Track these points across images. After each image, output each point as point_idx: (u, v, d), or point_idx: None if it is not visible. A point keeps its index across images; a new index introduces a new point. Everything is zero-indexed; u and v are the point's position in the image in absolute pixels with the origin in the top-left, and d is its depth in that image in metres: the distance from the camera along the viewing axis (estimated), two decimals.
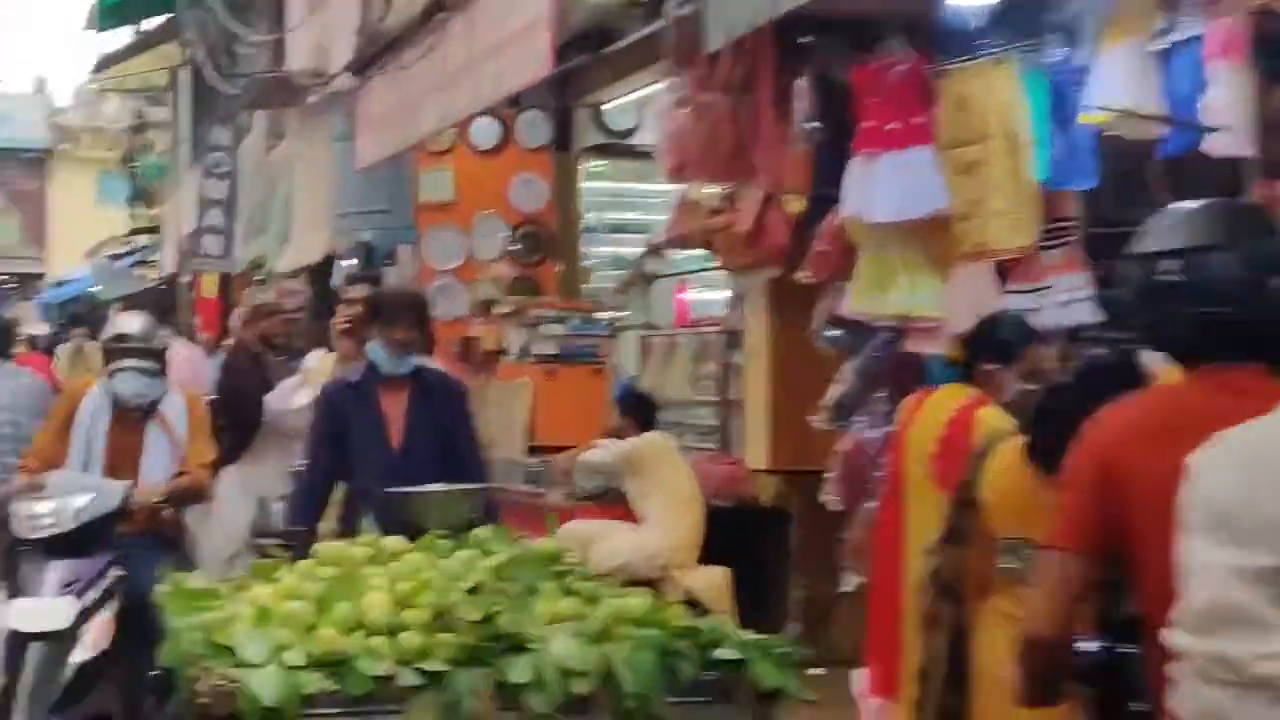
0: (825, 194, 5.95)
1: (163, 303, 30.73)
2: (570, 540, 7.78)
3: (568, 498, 8.60)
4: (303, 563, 4.23)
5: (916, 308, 5.62)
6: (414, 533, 4.58)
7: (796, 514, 8.03)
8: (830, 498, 5.92)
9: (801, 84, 6.01)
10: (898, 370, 5.76)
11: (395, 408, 5.78)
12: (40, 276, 42.14)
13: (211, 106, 26.66)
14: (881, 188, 5.49)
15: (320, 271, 14.71)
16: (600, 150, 12.02)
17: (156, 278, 31.13)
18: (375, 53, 11.26)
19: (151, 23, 28.64)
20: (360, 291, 7.65)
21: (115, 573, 6.25)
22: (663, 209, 12.91)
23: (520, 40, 8.17)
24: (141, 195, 35.20)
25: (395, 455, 5.70)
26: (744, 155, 6.14)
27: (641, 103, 11.21)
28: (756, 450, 8.11)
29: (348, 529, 5.39)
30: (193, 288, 26.03)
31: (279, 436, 8.35)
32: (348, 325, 7.35)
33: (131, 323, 6.99)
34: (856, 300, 5.77)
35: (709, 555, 7.83)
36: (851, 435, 5.86)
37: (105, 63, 28.03)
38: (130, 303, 30.86)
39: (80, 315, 38.63)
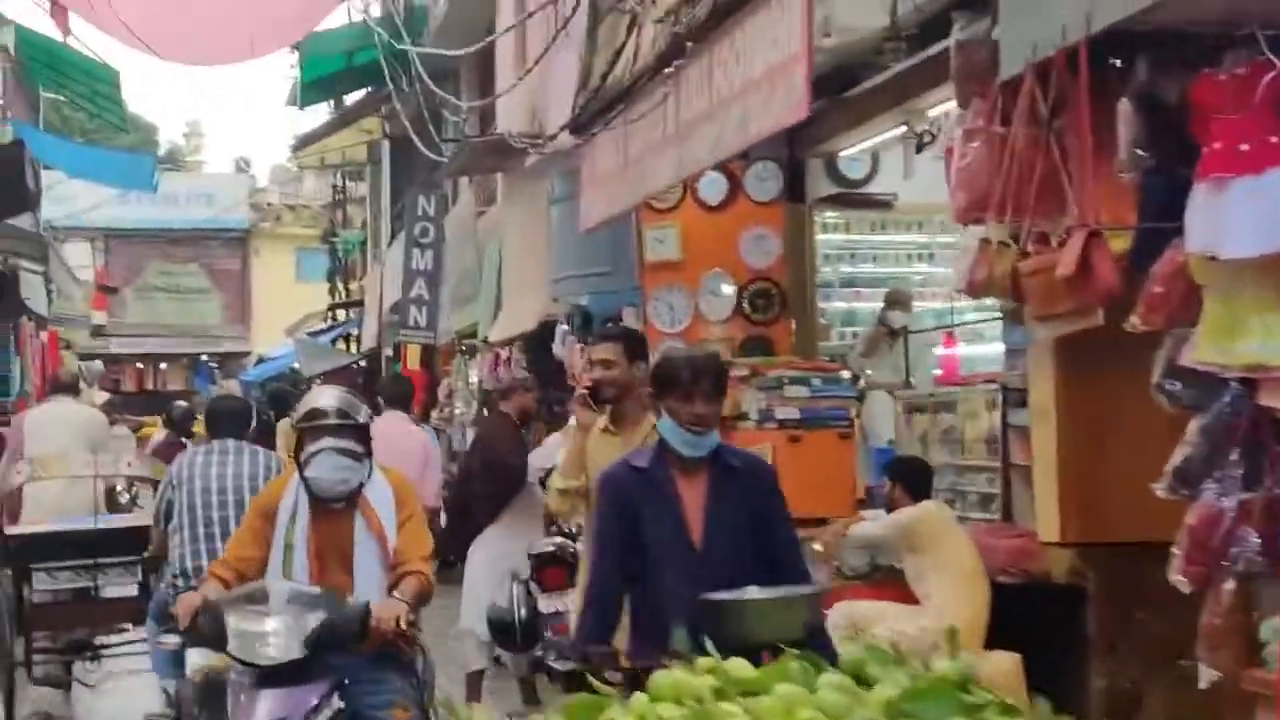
0: (1156, 229, 5.21)
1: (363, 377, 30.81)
2: (841, 625, 7.15)
3: (833, 576, 7.88)
4: (637, 701, 3.32)
5: (1274, 356, 4.85)
6: (738, 650, 3.70)
7: (1093, 592, 7.22)
8: (1178, 578, 5.13)
9: (1124, 106, 5.29)
10: (1253, 429, 4.98)
11: (693, 496, 4.79)
12: (244, 355, 42.71)
13: (413, 177, 26.69)
14: (1233, 218, 4.75)
15: (536, 340, 14.26)
16: (834, 201, 11.37)
17: (358, 352, 31.16)
18: (598, 109, 10.76)
19: (350, 97, 29.00)
20: (609, 351, 6.29)
21: (335, 704, 5.25)
22: (900, 260, 12.39)
23: (770, 82, 7.57)
24: (341, 270, 35.42)
25: (697, 553, 4.78)
26: (1055, 190, 5.42)
27: (878, 149, 10.59)
28: (1046, 520, 7.32)
29: (646, 646, 4.49)
30: (396, 360, 25.92)
31: (531, 506, 8.09)
32: (591, 388, 6.29)
33: (326, 397, 5.88)
34: (1202, 349, 5.01)
35: (996, 638, 7.08)
36: (1201, 505, 5.08)
37: (306, 140, 28.18)
38: (330, 378, 30.98)
39: (280, 393, 39.17)
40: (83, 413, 12.22)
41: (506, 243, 15.38)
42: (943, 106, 8.96)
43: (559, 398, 14.64)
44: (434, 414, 21.37)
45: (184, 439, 14.71)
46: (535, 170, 13.00)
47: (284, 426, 20.32)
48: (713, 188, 11.23)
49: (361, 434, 5.67)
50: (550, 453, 8.68)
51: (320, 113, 29.18)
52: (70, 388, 12.41)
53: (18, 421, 12.38)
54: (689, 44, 8.61)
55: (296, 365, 32.59)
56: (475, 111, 16.77)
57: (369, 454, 5.69)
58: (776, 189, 11.24)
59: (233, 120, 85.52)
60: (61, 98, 27.66)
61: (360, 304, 32.74)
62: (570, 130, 11.46)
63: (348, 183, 35.28)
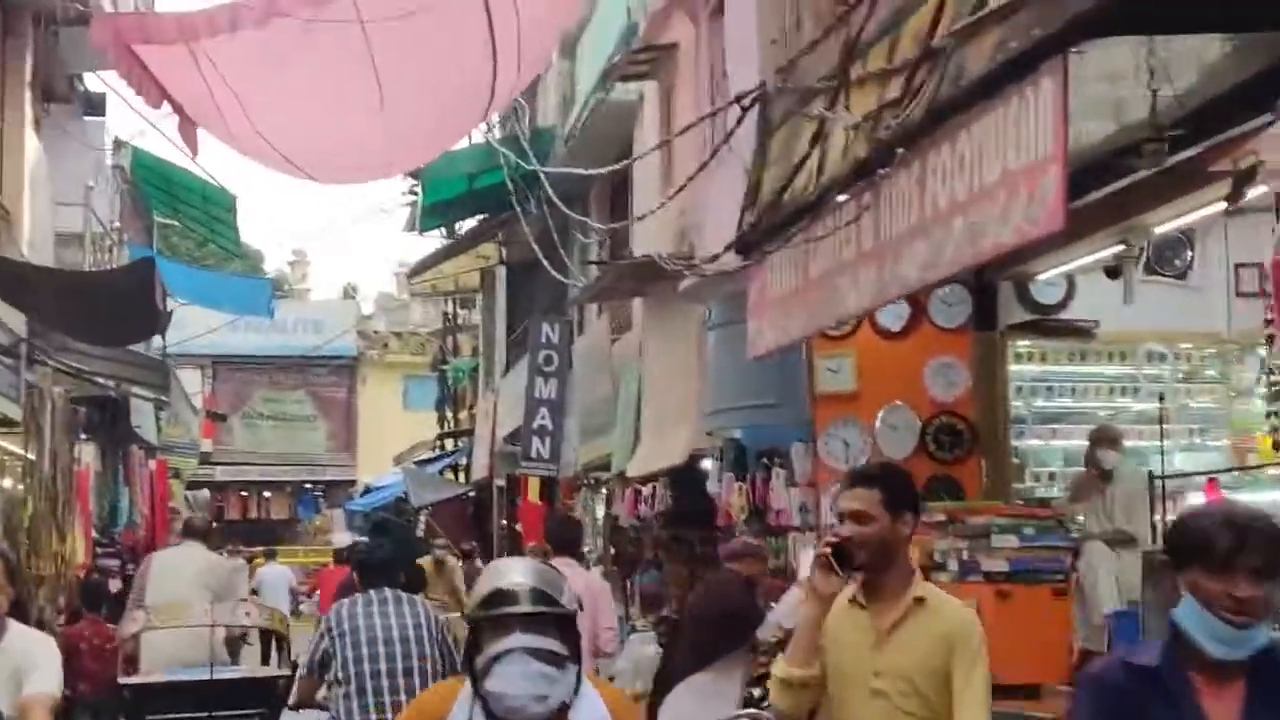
0: None
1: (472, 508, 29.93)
2: None
3: None
4: None
5: None
6: None
7: None
8: None
9: None
10: None
11: (1224, 713, 3.40)
12: (349, 483, 42.05)
13: (532, 303, 26.00)
14: None
15: (683, 475, 13.29)
16: (1028, 328, 10.35)
17: (468, 483, 30.33)
18: (772, 227, 9.83)
19: (465, 222, 28.45)
20: (864, 499, 4.74)
21: None
22: (1102, 393, 11.31)
23: (1009, 189, 6.58)
24: (450, 399, 34.74)
25: None
26: None
27: (1076, 272, 9.58)
28: None
29: None
30: (512, 493, 25.03)
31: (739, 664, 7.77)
32: (837, 548, 4.68)
33: (516, 572, 3.96)
34: None
35: None
36: None
37: (422, 266, 27.58)
38: (440, 509, 30.14)
39: (385, 523, 38.37)
40: (207, 559, 11.70)
41: (648, 371, 14.46)
42: (1179, 220, 7.96)
43: (706, 537, 13.64)
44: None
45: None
46: (688, 294, 12.10)
47: (456, 564, 19.52)
48: (893, 313, 10.27)
49: (566, 627, 3.91)
50: (791, 610, 7.70)
51: (431, 239, 28.67)
52: (202, 533, 11.86)
53: (145, 564, 12.04)
54: (898, 150, 7.65)
55: (405, 494, 31.77)
56: (606, 234, 15.96)
57: (577, 657, 3.93)
58: (964, 315, 10.26)
59: (339, 247, 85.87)
60: (173, 222, 27.25)
61: (470, 433, 31.99)
62: (736, 250, 10.53)
63: (458, 309, 34.70)
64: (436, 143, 13.03)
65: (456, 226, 30.86)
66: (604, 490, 18.36)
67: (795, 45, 9.73)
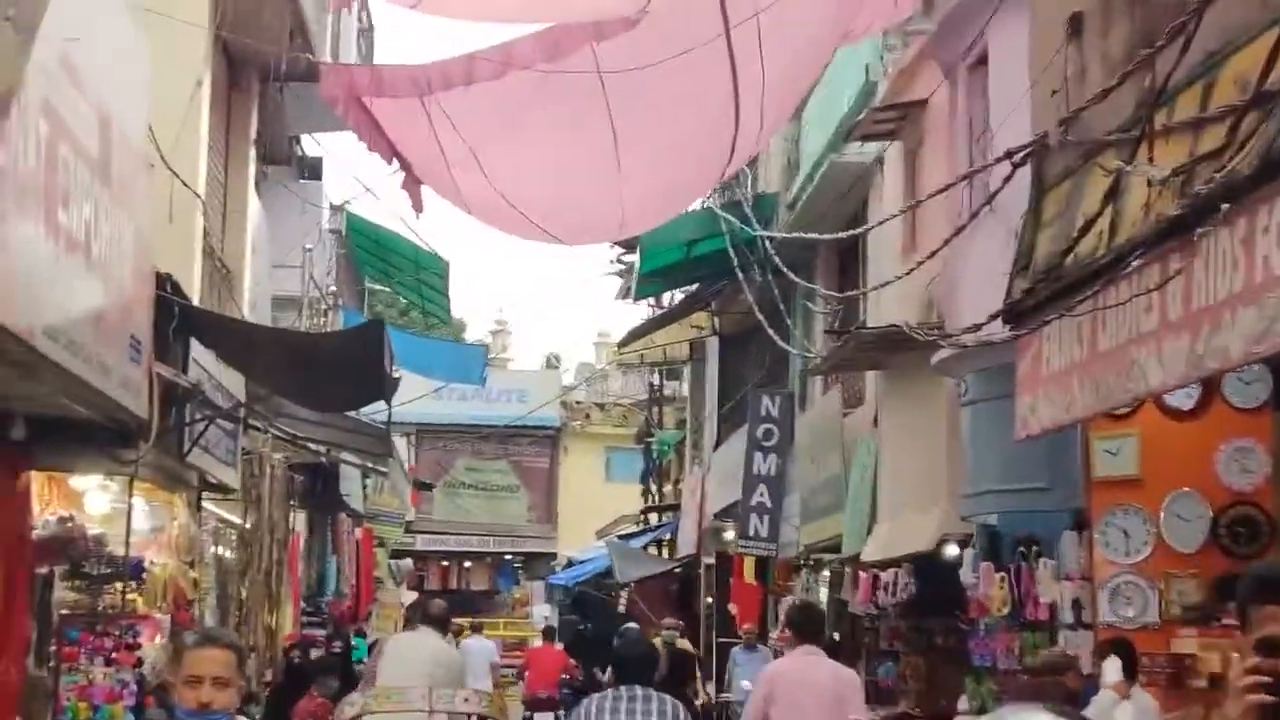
0: None
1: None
2: None
3: None
4: None
5: None
6: None
7: None
8: None
9: None
10: None
11: None
12: (549, 556, 41.56)
13: (743, 375, 25.27)
14: None
15: (926, 561, 12.37)
16: None
17: (674, 559, 29.55)
18: (1050, 294, 8.94)
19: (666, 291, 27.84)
20: None
21: None
22: None
23: None
24: (655, 472, 34.07)
25: None
26: None
27: None
28: None
29: None
30: (723, 571, 24.21)
31: None
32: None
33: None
34: None
35: None
36: None
37: (634, 335, 27.00)
38: (645, 585, 29.40)
39: (585, 597, 37.80)
40: (441, 648, 11.21)
41: (886, 449, 13.57)
42: None
43: (949, 629, 12.70)
44: (772, 634, 19.48)
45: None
46: (940, 367, 11.23)
47: None
48: (1182, 390, 9.26)
49: None
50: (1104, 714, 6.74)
51: (634, 310, 28.16)
52: (439, 621, 11.29)
53: (379, 648, 11.87)
54: (1223, 206, 6.74)
55: (609, 569, 31.10)
56: (839, 303, 15.15)
57: None
58: (1263, 393, 9.22)
59: (539, 317, 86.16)
60: (384, 288, 27.08)
61: (676, 508, 31.28)
62: (1003, 319, 9.64)
63: (665, 380, 34.08)
64: (673, 202, 12.38)
65: (665, 296, 30.46)
66: (827, 573, 17.45)
67: (1080, 95, 8.87)
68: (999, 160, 9.79)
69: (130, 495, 9.04)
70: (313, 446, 15.46)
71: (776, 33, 9.94)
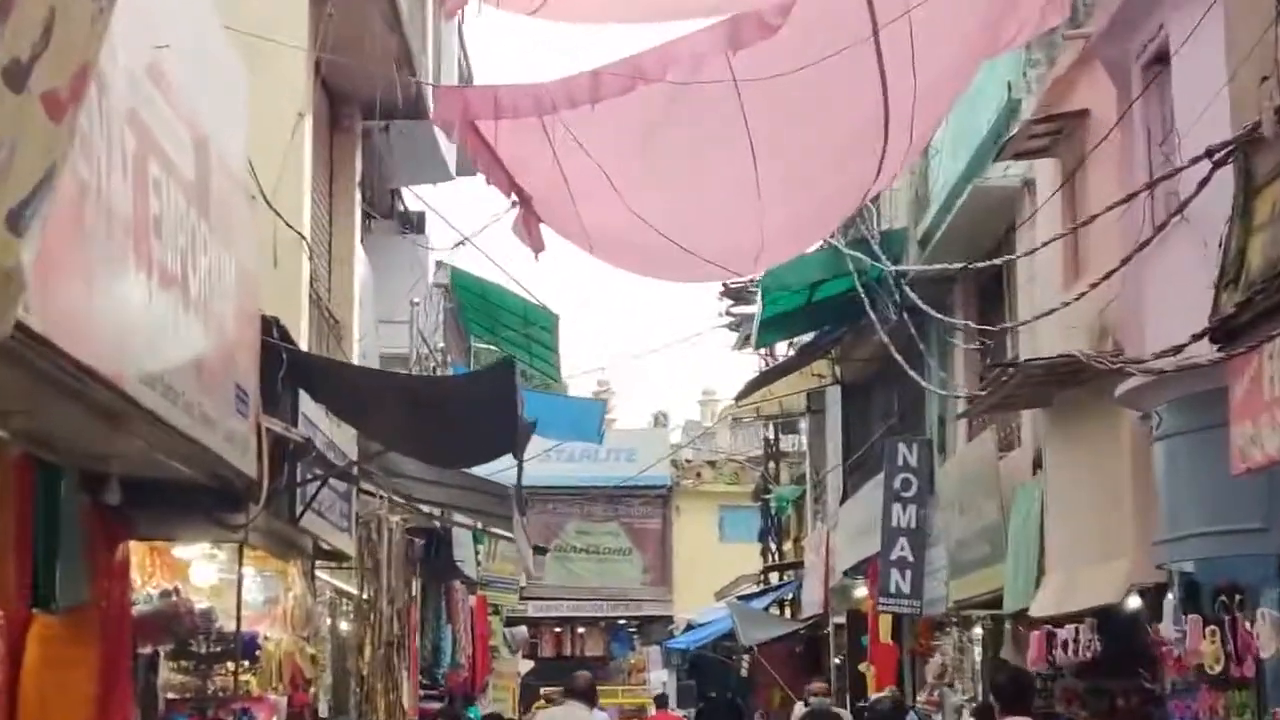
0: None
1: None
2: None
3: None
4: None
5: None
6: None
7: None
8: None
9: None
10: None
11: None
12: (665, 619, 40.37)
13: (868, 425, 24.12)
14: None
15: (1110, 615, 11.19)
16: None
17: (799, 619, 28.34)
18: (1267, 308, 7.83)
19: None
20: None
21: None
22: None
23: None
24: (773, 529, 32.90)
25: None
26: None
27: None
28: None
29: None
30: (855, 630, 22.99)
31: None
32: None
33: None
34: None
35: None
36: None
37: (751, 387, 25.92)
38: (768, 649, 28.22)
39: (704, 662, 36.65)
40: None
41: (1054, 493, 12.40)
42: None
43: (1132, 689, 11.50)
44: (920, 697, 18.29)
45: None
46: (1126, 398, 10.08)
47: None
48: None
49: None
50: None
51: (741, 366, 27.08)
52: (586, 695, 10.69)
53: None
54: None
55: (730, 632, 29.95)
56: (990, 339, 14.01)
57: None
58: None
59: (642, 376, 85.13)
60: (491, 346, 26.22)
61: (798, 566, 30.09)
62: (1211, 339, 8.52)
63: (780, 434, 32.93)
64: (813, 228, 11.36)
65: (778, 349, 29.41)
66: (979, 630, 16.24)
67: None
68: (1196, 161, 8.69)
69: (240, 564, 8.10)
70: (425, 509, 14.51)
71: (923, 44, 8.97)
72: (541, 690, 30.22)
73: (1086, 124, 11.65)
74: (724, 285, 29.72)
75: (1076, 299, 10.65)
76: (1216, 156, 8.50)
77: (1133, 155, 10.43)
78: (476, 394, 8.17)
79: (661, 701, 27.72)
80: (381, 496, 12.29)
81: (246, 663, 8.61)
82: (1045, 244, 11.16)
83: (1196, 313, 8.97)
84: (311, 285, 10.47)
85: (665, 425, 44.83)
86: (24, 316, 4.47)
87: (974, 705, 14.83)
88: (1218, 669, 9.37)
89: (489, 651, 25.87)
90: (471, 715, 25.56)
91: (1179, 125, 9.53)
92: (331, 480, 10.85)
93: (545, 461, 34.16)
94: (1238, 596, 9.62)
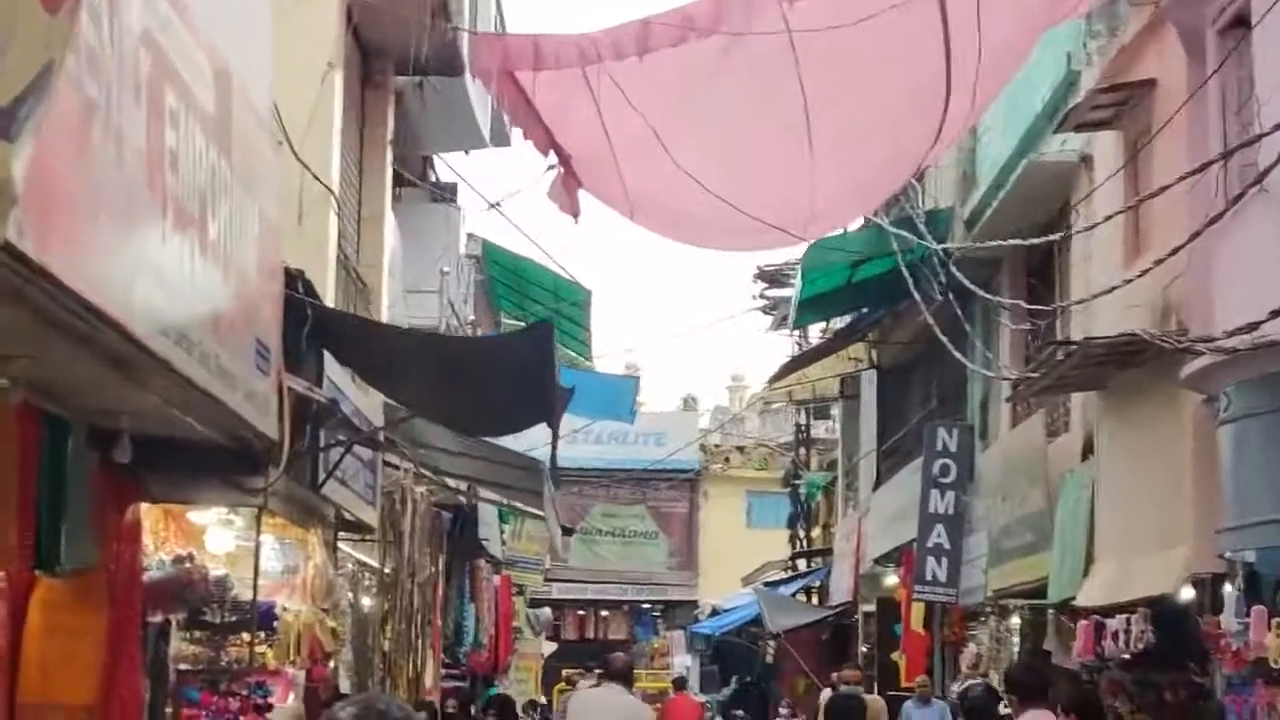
0: None
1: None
2: None
3: None
4: None
5: None
6: None
7: None
8: None
9: None
10: None
11: None
12: (690, 604, 39.90)
13: (903, 411, 23.60)
14: None
15: (1165, 605, 10.70)
16: None
17: (828, 607, 27.83)
18: None
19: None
20: None
21: None
22: None
23: None
24: (802, 516, 32.40)
25: None
26: None
27: None
28: None
29: None
30: (886, 618, 22.47)
31: None
32: None
33: None
34: None
35: None
36: None
37: (785, 369, 25.42)
38: (797, 634, 27.74)
39: (729, 648, 36.17)
40: (628, 705, 10.25)
41: (1107, 480, 11.91)
42: None
43: (1180, 681, 11.01)
44: (952, 687, 17.80)
45: None
46: (1193, 380, 9.58)
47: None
48: None
49: None
50: None
51: (771, 354, 26.62)
52: (623, 676, 10.32)
53: (563, 705, 11.95)
54: None
55: (757, 617, 29.48)
56: (1040, 321, 13.48)
57: None
58: None
59: (672, 359, 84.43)
60: (520, 322, 25.76)
61: (827, 553, 29.59)
62: None
63: (812, 420, 32.43)
64: (867, 194, 10.83)
65: (812, 333, 28.91)
66: (1016, 620, 15.76)
67: None
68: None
69: (258, 531, 7.65)
70: (452, 483, 14.04)
71: (985, 7, 8.47)
72: (564, 672, 29.79)
73: (1154, 94, 11.13)
74: (758, 268, 29.27)
75: (1140, 276, 10.13)
76: None
77: (1205, 125, 9.92)
78: (512, 356, 7.67)
79: (680, 684, 27.27)
80: (407, 469, 11.84)
81: (263, 634, 8.17)
82: (1108, 218, 10.64)
83: (1273, 289, 8.49)
84: (339, 245, 10.01)
85: (694, 409, 44.30)
86: (18, 241, 4.03)
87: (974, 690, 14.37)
88: None
89: (512, 632, 25.46)
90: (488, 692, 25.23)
91: (1259, 92, 9.02)
92: (356, 449, 10.42)
93: (572, 443, 33.69)
94: None
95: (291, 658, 8.46)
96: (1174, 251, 9.41)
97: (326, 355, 8.88)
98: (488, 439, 11.36)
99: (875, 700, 18.15)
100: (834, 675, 20.13)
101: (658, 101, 8.92)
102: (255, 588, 7.65)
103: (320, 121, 9.36)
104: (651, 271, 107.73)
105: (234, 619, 7.99)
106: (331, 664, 9.99)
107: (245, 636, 7.95)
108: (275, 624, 8.32)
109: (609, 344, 61.83)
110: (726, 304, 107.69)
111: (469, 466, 13.02)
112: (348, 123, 10.93)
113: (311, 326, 7.71)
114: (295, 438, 7.45)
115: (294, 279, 7.52)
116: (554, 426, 8.06)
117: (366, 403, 10.47)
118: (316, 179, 8.38)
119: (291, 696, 9.02)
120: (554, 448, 8.51)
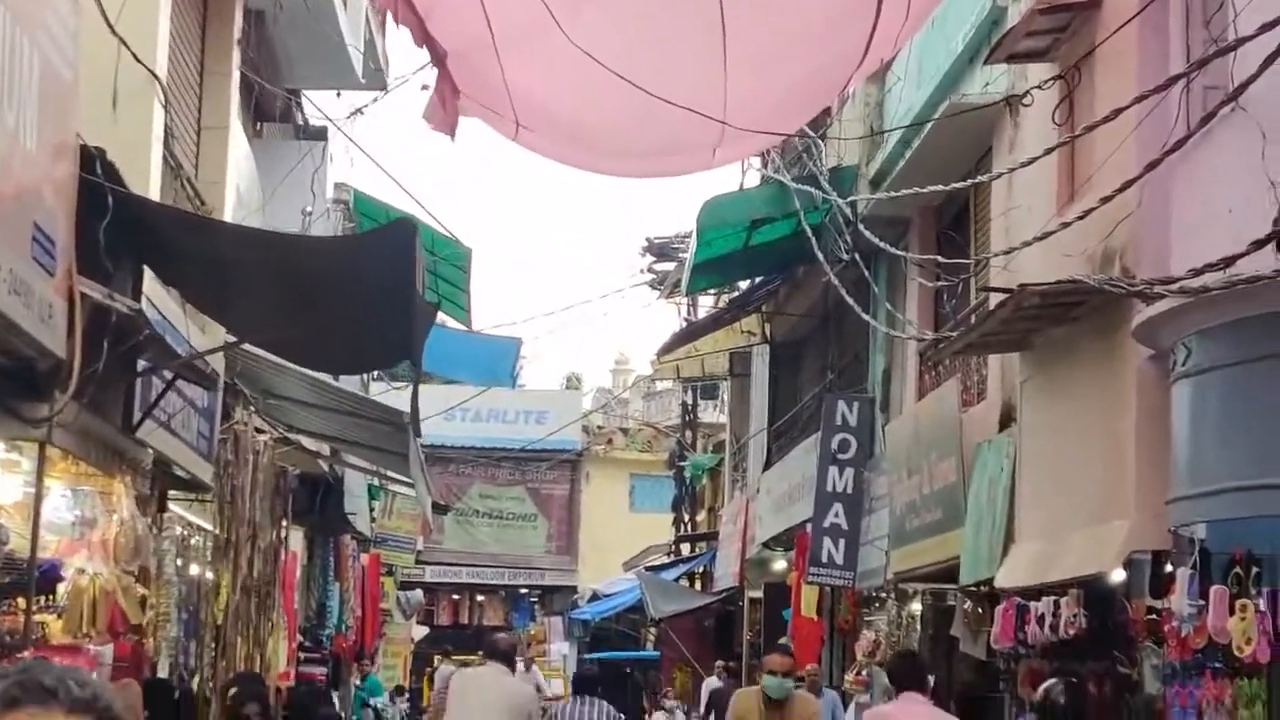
0: None
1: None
2: None
3: None
4: None
5: None
6: None
7: None
8: None
9: None
10: None
11: None
12: (569, 590, 38.62)
13: (795, 387, 22.50)
14: None
15: (1096, 587, 9.61)
16: None
17: (713, 593, 26.72)
18: None
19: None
20: None
21: None
22: None
23: None
24: (687, 499, 31.27)
25: None
26: None
27: None
28: None
29: None
30: (775, 604, 21.36)
31: None
32: None
33: None
34: None
35: None
36: None
37: (674, 342, 24.21)
38: (678, 620, 26.64)
39: (606, 634, 35.01)
40: (513, 687, 10.32)
41: (1031, 449, 10.80)
42: None
43: (1101, 672, 9.94)
44: (848, 676, 16.71)
45: None
46: (1143, 332, 8.47)
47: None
48: None
49: None
50: None
51: (655, 334, 25.54)
52: (505, 657, 10.43)
53: (441, 682, 11.88)
54: None
55: (639, 604, 28.32)
56: (930, 275, 12.32)
57: None
58: None
59: (556, 335, 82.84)
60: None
61: (712, 537, 28.47)
62: (1278, 245, 6.92)
63: (699, 401, 31.30)
64: (784, 115, 9.55)
65: (700, 309, 27.82)
66: (916, 603, 14.70)
67: None
68: (1266, 28, 7.06)
69: (40, 471, 6.25)
70: (309, 443, 12.62)
71: None
72: (435, 656, 28.45)
73: (1097, 16, 10.01)
74: (648, 239, 28.07)
75: (1081, 217, 9.03)
76: None
77: (1163, 44, 8.81)
78: (370, 264, 6.30)
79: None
80: (250, 409, 10.42)
81: (43, 599, 6.76)
82: (1046, 152, 9.51)
83: (1248, 221, 7.39)
84: (169, 148, 8.59)
85: (578, 388, 43.04)
86: None
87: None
88: (1248, 650, 7.77)
89: (380, 614, 24.05)
90: (369, 684, 23.76)
91: None
92: (191, 394, 9.01)
93: (450, 420, 32.38)
94: (1254, 569, 8.06)
95: (84, 630, 7.00)
96: (1127, 185, 8.31)
97: (148, 272, 7.48)
98: (347, 390, 10.01)
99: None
100: (718, 664, 18.95)
101: None
102: (34, 541, 6.24)
103: None
104: (537, 248, 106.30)
105: (7, 580, 6.59)
106: (145, 641, 8.57)
107: (20, 602, 6.54)
108: (60, 587, 6.89)
109: (490, 319, 60.31)
110: (614, 282, 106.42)
111: (327, 423, 11.64)
112: (184, 10, 9.50)
113: (121, 226, 6.31)
114: (90, 357, 6.07)
115: (91, 158, 6.13)
116: (416, 352, 6.71)
117: (204, 341, 9.06)
118: (135, 57, 6.96)
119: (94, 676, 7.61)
120: (416, 385, 7.17)
